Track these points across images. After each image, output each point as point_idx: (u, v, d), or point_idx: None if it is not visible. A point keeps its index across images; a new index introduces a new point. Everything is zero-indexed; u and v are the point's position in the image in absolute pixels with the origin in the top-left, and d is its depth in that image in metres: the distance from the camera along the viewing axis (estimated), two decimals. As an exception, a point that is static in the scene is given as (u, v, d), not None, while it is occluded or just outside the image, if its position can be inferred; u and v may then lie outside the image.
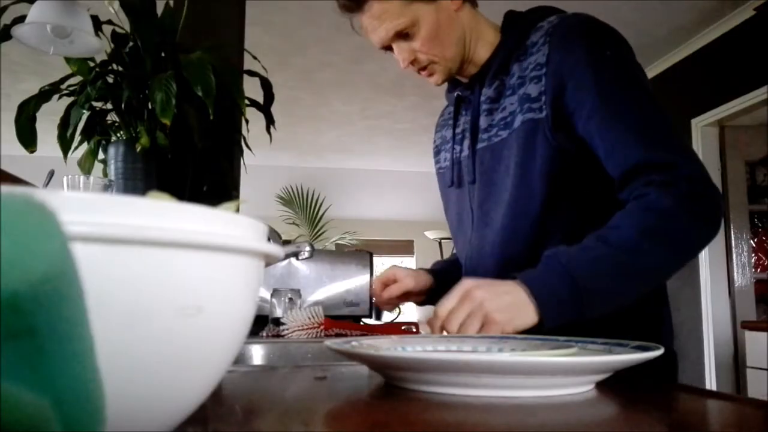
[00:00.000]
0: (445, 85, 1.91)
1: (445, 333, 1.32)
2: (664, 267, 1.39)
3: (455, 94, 1.90)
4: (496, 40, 1.76)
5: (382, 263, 8.29)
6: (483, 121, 1.75)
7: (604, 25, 1.63)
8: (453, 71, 1.78)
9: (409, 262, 11.54)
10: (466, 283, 1.34)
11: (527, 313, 1.29)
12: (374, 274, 3.20)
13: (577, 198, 1.56)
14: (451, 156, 1.91)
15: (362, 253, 3.36)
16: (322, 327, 2.04)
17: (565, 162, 1.54)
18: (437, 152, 2.07)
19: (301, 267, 3.18)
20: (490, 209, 1.70)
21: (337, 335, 2.05)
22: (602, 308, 1.33)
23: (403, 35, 1.71)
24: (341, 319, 3.05)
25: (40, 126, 2.37)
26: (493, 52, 1.74)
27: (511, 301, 1.30)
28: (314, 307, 2.12)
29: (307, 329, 2.04)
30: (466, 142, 1.82)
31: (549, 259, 1.35)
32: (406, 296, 1.90)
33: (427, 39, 1.69)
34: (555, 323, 1.29)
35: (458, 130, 1.88)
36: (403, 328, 2.09)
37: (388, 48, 1.80)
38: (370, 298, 3.32)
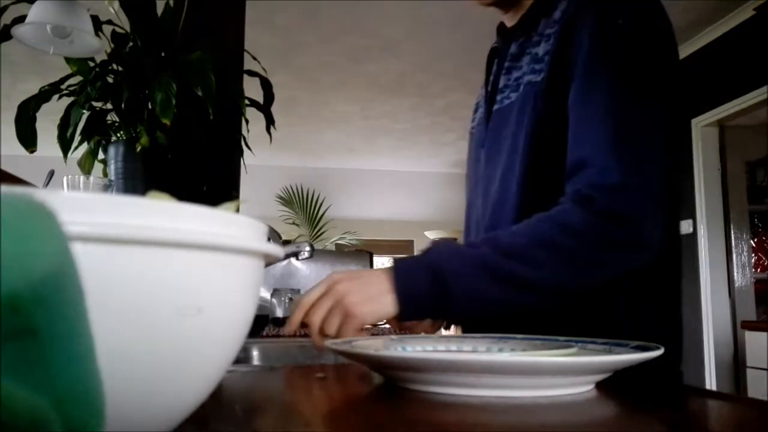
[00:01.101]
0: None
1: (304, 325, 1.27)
2: (553, 283, 1.23)
3: (492, 47, 1.74)
4: None
5: (382, 263, 8.27)
6: (502, 81, 1.58)
7: None
8: None
9: (409, 262, 11.52)
10: (332, 277, 1.25)
11: (386, 304, 1.21)
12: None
13: (554, 177, 1.36)
14: (483, 116, 1.70)
15: (362, 253, 3.37)
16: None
17: (547, 137, 1.38)
18: (475, 110, 1.83)
19: (301, 267, 3.18)
20: (490, 175, 1.56)
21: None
22: (469, 310, 1.25)
23: None
24: None
25: (40, 126, 2.37)
26: (533, 2, 1.54)
27: (371, 294, 1.21)
28: None
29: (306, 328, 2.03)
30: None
31: (430, 250, 1.29)
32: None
33: None
34: (413, 316, 1.24)
35: (488, 89, 1.68)
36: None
37: None
38: None
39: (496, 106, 1.57)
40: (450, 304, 1.21)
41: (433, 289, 1.21)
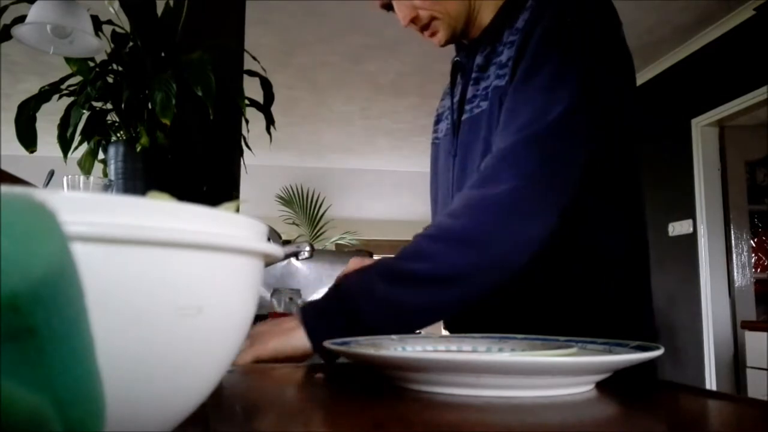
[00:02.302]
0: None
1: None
2: (449, 268, 1.23)
3: (453, 60, 1.79)
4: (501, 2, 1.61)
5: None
6: (470, 91, 1.62)
7: (598, 2, 1.43)
8: (457, 30, 1.63)
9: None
10: (254, 327, 1.24)
11: (296, 336, 1.21)
12: None
13: None
14: (449, 127, 1.74)
15: (362, 253, 3.36)
16: None
17: None
18: (437, 122, 1.91)
19: (301, 267, 3.18)
20: (463, 182, 1.57)
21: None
22: (384, 317, 1.23)
23: None
24: None
25: (40, 126, 2.37)
26: (494, 17, 1.60)
27: (282, 329, 1.23)
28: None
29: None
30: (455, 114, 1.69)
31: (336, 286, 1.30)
32: None
33: None
34: (326, 336, 1.09)
35: (455, 100, 1.71)
36: None
37: (387, 6, 1.65)
38: None
39: (465, 116, 1.62)
40: (360, 313, 1.20)
41: (338, 304, 1.23)
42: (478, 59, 1.61)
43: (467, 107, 1.62)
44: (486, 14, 1.62)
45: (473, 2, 1.61)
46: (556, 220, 1.28)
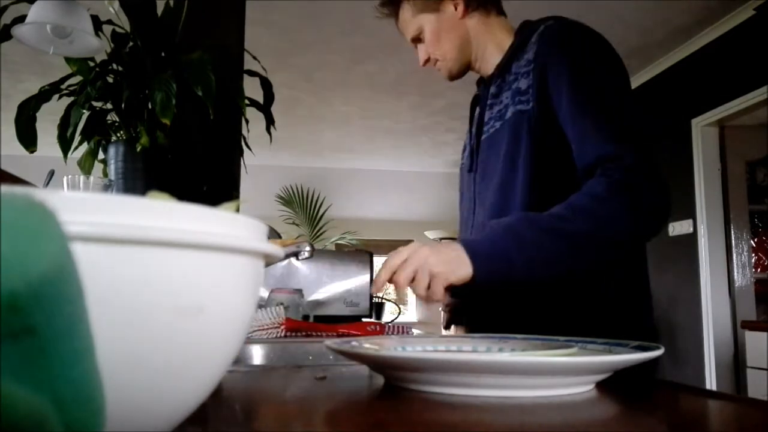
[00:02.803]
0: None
1: (391, 286, 1.48)
2: (585, 239, 1.45)
3: (474, 96, 2.13)
4: (509, 44, 1.92)
5: (382, 263, 8.24)
6: (486, 116, 1.92)
7: (587, 29, 1.73)
8: (455, 70, 2.01)
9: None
10: (412, 245, 1.49)
11: (464, 266, 1.42)
12: (374, 274, 3.21)
13: (558, 183, 1.65)
14: (469, 148, 2.07)
15: (362, 253, 3.37)
16: (282, 327, 2.06)
17: (546, 151, 1.67)
18: (463, 150, 2.20)
19: (301, 267, 3.18)
20: (483, 192, 1.87)
21: (305, 335, 2.08)
22: (529, 268, 1.44)
23: (418, 39, 2.01)
24: (342, 319, 3.08)
25: (40, 126, 2.37)
26: (505, 55, 1.90)
27: (451, 257, 1.44)
28: (276, 307, 2.13)
29: (267, 329, 2.05)
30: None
31: (490, 225, 1.53)
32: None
33: (430, 42, 1.98)
34: (487, 275, 1.43)
35: (474, 126, 2.06)
36: (368, 328, 2.10)
37: (416, 47, 2.06)
38: (370, 298, 3.34)
39: (483, 137, 1.93)
40: (516, 264, 1.43)
41: (501, 252, 1.45)
42: (492, 89, 1.92)
43: (485, 129, 1.92)
44: (491, 52, 1.97)
45: (476, 47, 1.98)
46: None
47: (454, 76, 2.05)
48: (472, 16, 1.96)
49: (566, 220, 1.45)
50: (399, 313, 3.17)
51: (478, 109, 2.06)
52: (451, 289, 1.50)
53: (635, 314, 1.69)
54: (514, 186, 1.71)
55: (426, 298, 1.46)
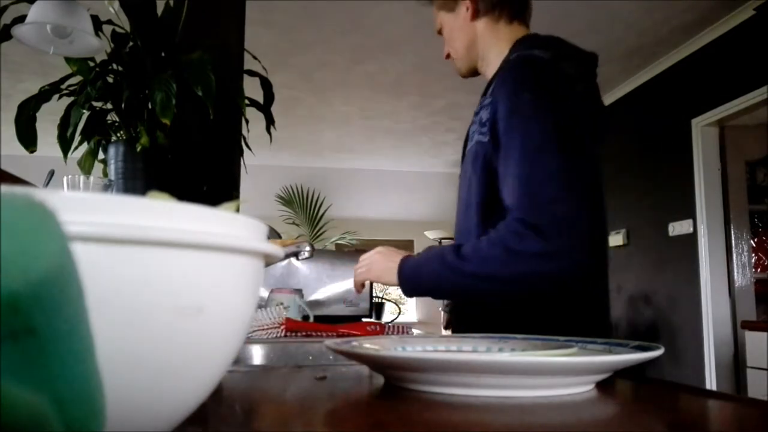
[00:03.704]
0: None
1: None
2: (472, 277, 1.70)
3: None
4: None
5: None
6: (471, 129, 2.02)
7: (545, 67, 1.82)
8: (464, 69, 2.18)
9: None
10: (377, 249, 2.03)
11: (392, 277, 1.91)
12: None
13: (502, 209, 1.81)
14: None
15: (360, 254, 3.39)
16: (282, 327, 2.07)
17: (495, 182, 1.83)
18: None
19: (302, 267, 3.20)
20: (457, 201, 2.10)
21: (305, 335, 2.09)
22: (432, 291, 1.85)
23: (440, 33, 2.21)
24: (342, 319, 3.08)
25: (40, 126, 2.37)
26: (492, 76, 2.04)
27: (387, 267, 1.94)
28: (276, 307, 2.14)
29: (267, 329, 2.06)
30: None
31: (425, 250, 1.90)
32: None
33: (446, 38, 2.18)
34: (405, 287, 1.88)
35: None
36: (368, 328, 2.14)
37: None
38: (370, 298, 3.35)
39: (467, 148, 2.04)
40: (423, 286, 1.84)
41: (416, 275, 1.85)
42: (481, 101, 1.98)
43: (469, 141, 2.03)
44: (492, 59, 2.08)
45: (481, 50, 2.10)
46: None
47: (464, 75, 2.22)
48: (481, 20, 2.08)
49: (465, 259, 1.71)
50: (399, 313, 3.21)
51: None
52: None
53: (596, 311, 1.91)
54: (471, 205, 1.94)
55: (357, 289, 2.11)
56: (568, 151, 1.71)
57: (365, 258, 2.04)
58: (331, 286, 3.25)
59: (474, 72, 2.18)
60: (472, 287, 1.73)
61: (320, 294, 3.22)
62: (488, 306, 1.90)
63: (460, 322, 2.09)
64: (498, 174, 1.81)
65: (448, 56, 2.22)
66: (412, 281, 1.87)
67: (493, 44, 2.08)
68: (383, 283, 2.00)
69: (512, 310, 1.83)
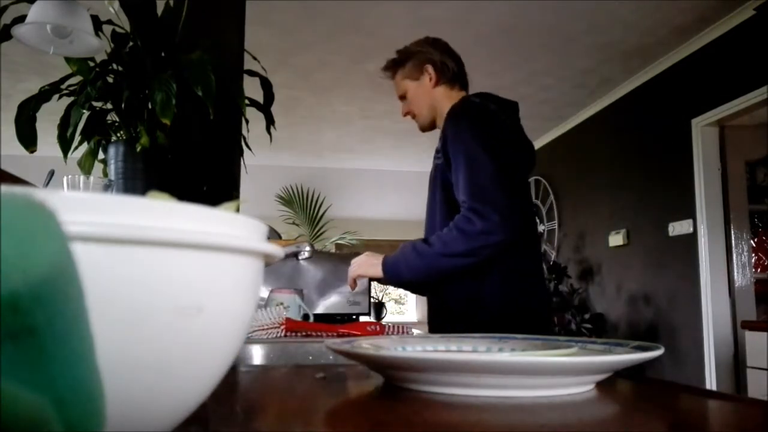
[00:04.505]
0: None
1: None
2: (439, 256, 2.40)
3: None
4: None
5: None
6: (433, 163, 2.80)
7: (476, 108, 2.57)
8: (425, 124, 2.90)
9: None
10: (365, 253, 2.68)
11: (377, 269, 2.56)
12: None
13: (457, 208, 2.47)
14: None
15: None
16: (282, 327, 2.07)
17: (449, 192, 2.55)
18: None
19: (309, 268, 3.25)
20: (426, 210, 2.86)
21: (305, 335, 2.10)
22: (410, 275, 2.49)
23: (403, 97, 2.90)
24: (345, 317, 3.15)
25: (40, 126, 2.37)
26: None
27: (372, 263, 2.60)
28: (276, 307, 2.15)
29: (267, 329, 2.07)
30: None
31: (400, 247, 2.56)
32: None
33: (411, 102, 2.87)
34: (388, 276, 2.54)
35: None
36: (368, 328, 2.18)
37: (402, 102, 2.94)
38: (369, 297, 3.41)
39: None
40: (403, 272, 2.50)
41: (396, 265, 2.53)
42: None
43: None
44: (444, 113, 2.69)
45: (439, 109, 2.80)
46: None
47: (425, 129, 2.94)
48: (439, 87, 2.82)
49: (431, 244, 2.42)
50: (385, 312, 3.70)
51: None
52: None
53: (518, 299, 2.54)
54: (435, 215, 2.70)
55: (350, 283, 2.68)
56: (498, 159, 2.40)
57: (355, 260, 2.66)
58: (335, 286, 3.29)
59: (432, 126, 2.90)
60: (439, 264, 2.41)
61: (326, 294, 3.27)
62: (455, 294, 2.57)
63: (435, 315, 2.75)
64: (451, 184, 2.52)
65: (406, 114, 2.93)
66: (393, 270, 2.53)
67: (445, 104, 2.74)
68: (370, 277, 2.63)
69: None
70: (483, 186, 2.36)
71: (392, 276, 2.54)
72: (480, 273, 2.49)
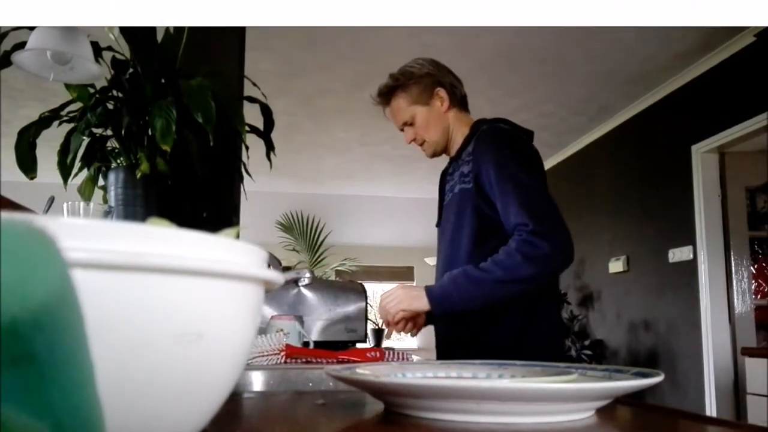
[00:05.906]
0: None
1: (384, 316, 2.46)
2: (499, 283, 2.25)
3: (442, 172, 2.94)
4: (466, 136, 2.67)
5: (382, 289, 8.30)
6: (446, 187, 2.77)
7: (510, 134, 2.53)
8: (438, 150, 2.79)
9: (408, 288, 11.54)
10: (397, 288, 2.45)
11: (423, 302, 2.35)
12: (367, 302, 3.48)
13: (489, 237, 2.43)
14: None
15: (354, 284, 3.57)
16: (282, 353, 2.07)
17: (481, 216, 2.45)
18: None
19: (309, 295, 3.23)
20: (441, 244, 2.71)
21: (306, 362, 2.09)
22: (463, 303, 2.30)
23: (408, 124, 2.76)
24: (342, 344, 3.13)
25: (40, 152, 2.37)
26: (461, 144, 2.67)
27: (414, 295, 2.38)
28: (277, 333, 2.15)
29: (267, 355, 2.07)
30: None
31: (444, 276, 2.38)
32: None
33: (420, 128, 2.74)
34: (438, 308, 2.34)
35: (440, 193, 2.90)
36: (368, 355, 2.15)
37: (403, 129, 2.81)
38: (365, 325, 3.42)
39: (444, 202, 2.77)
40: (455, 301, 2.30)
41: (447, 294, 2.32)
42: (450, 169, 2.77)
43: (446, 196, 2.76)
44: (458, 137, 2.71)
45: (451, 133, 2.74)
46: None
47: (436, 155, 2.84)
48: (451, 110, 2.73)
49: (487, 271, 2.25)
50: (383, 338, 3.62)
51: (443, 183, 2.87)
52: (426, 320, 2.58)
53: (540, 333, 2.45)
54: (460, 240, 2.51)
55: (388, 323, 2.46)
56: (542, 184, 2.39)
57: (389, 295, 2.46)
58: (334, 313, 3.28)
59: (442, 152, 2.81)
60: (500, 292, 2.27)
61: (324, 321, 3.25)
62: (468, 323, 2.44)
63: (444, 345, 2.68)
64: (484, 211, 2.44)
65: (412, 141, 2.82)
66: (444, 301, 2.33)
67: (458, 129, 2.72)
68: (415, 310, 2.42)
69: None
70: (542, 209, 2.30)
71: (443, 307, 2.34)
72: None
